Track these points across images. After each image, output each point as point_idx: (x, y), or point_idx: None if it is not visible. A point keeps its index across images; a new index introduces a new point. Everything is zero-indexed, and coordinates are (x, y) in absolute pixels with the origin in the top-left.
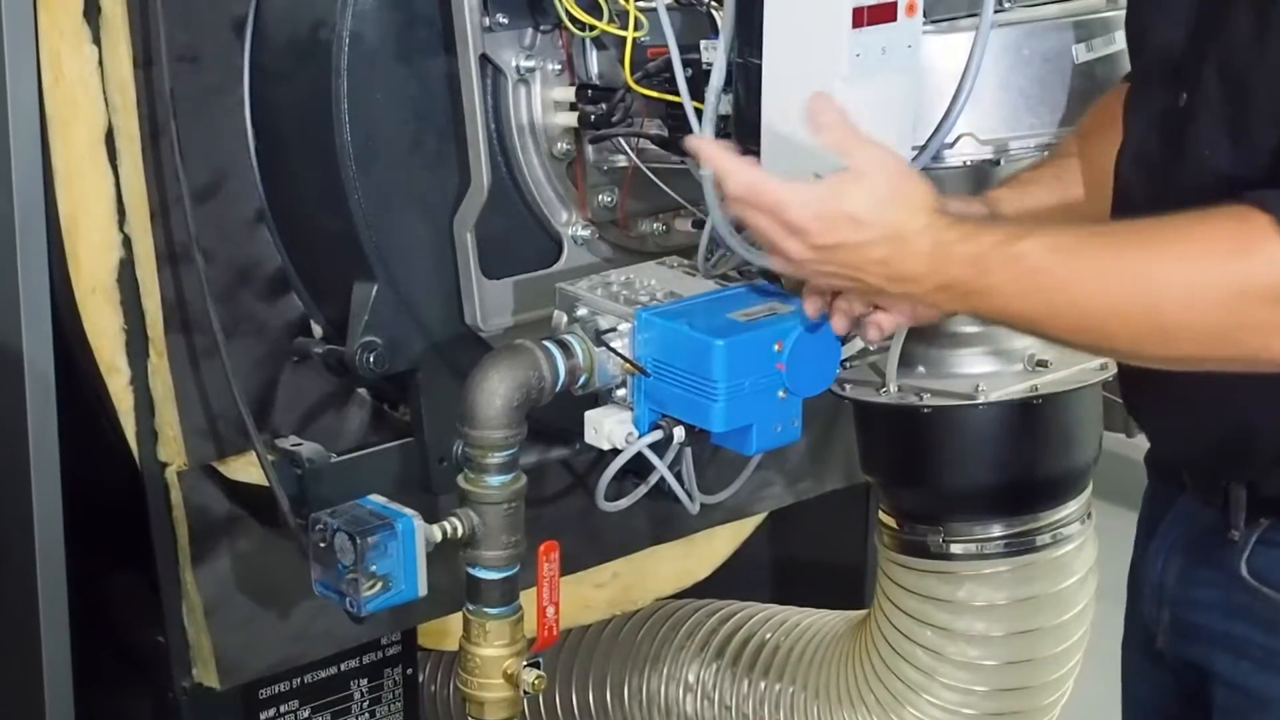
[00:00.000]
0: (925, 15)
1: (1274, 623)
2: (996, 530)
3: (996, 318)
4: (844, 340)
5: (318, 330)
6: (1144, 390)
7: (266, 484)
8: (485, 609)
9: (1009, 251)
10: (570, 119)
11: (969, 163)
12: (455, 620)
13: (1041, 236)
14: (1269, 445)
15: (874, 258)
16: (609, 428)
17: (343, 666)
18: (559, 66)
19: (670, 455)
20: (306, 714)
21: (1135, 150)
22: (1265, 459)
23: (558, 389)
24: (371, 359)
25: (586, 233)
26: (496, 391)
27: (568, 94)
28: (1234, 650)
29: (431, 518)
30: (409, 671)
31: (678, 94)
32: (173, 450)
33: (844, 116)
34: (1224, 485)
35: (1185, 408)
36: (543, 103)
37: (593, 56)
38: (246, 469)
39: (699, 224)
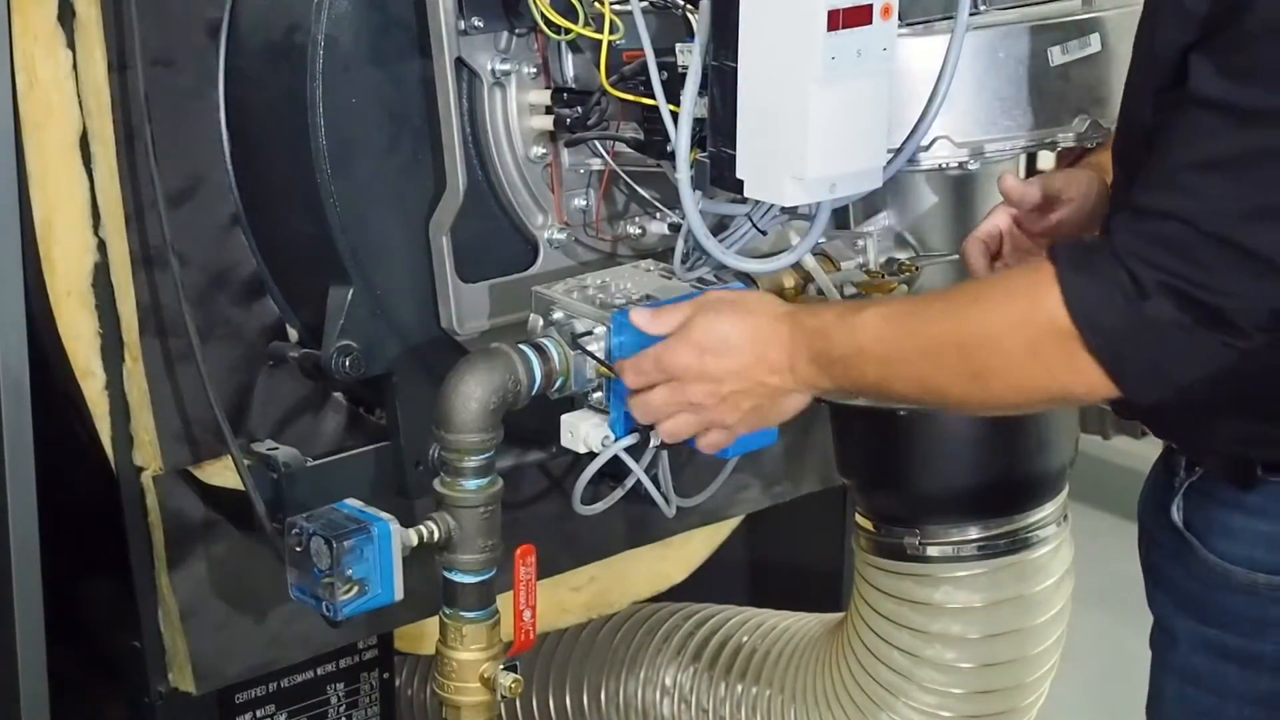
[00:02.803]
0: (900, 18)
1: (1189, 566)
2: (973, 533)
3: (856, 388)
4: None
5: (293, 334)
6: None
7: (242, 488)
8: (462, 613)
9: (849, 322)
10: (546, 122)
11: (944, 166)
12: (432, 624)
13: (876, 307)
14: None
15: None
16: (585, 431)
17: (319, 671)
18: (534, 70)
19: (647, 459)
20: (283, 719)
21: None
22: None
23: (534, 392)
24: (347, 363)
25: (562, 236)
26: (472, 395)
27: (543, 97)
28: (1165, 589)
29: (408, 522)
30: (385, 676)
31: (653, 97)
32: (148, 454)
33: (681, 314)
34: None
35: None
36: (518, 106)
37: (568, 60)
38: (222, 473)
39: (675, 227)
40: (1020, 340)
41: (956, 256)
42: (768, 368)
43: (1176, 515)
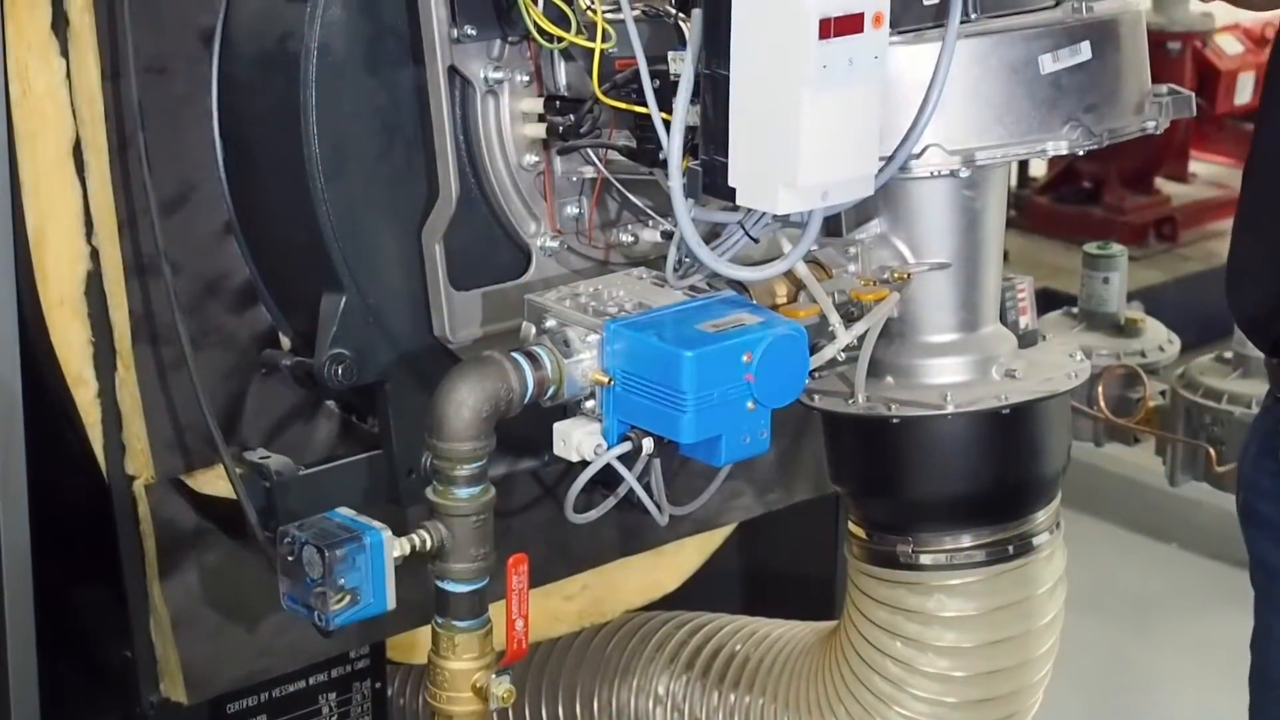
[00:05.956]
0: (892, 26)
1: None
2: (966, 540)
3: None
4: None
5: (286, 342)
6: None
7: (234, 497)
8: (454, 622)
9: None
10: (538, 130)
11: (936, 173)
12: (424, 633)
13: None
14: None
15: None
16: (578, 439)
17: (311, 680)
18: (527, 78)
19: (639, 467)
20: None
21: None
22: None
23: (526, 400)
24: (339, 371)
25: (555, 244)
26: (465, 403)
27: (536, 105)
28: (1267, 530)
29: (400, 530)
30: (378, 685)
31: (646, 105)
32: (140, 463)
33: None
34: None
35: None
36: (511, 114)
37: (561, 68)
38: (214, 482)
39: (668, 235)
40: None
41: (949, 263)
42: None
43: None
